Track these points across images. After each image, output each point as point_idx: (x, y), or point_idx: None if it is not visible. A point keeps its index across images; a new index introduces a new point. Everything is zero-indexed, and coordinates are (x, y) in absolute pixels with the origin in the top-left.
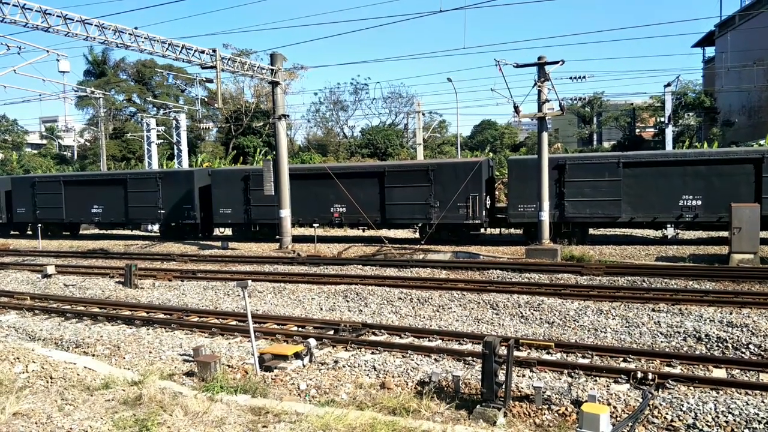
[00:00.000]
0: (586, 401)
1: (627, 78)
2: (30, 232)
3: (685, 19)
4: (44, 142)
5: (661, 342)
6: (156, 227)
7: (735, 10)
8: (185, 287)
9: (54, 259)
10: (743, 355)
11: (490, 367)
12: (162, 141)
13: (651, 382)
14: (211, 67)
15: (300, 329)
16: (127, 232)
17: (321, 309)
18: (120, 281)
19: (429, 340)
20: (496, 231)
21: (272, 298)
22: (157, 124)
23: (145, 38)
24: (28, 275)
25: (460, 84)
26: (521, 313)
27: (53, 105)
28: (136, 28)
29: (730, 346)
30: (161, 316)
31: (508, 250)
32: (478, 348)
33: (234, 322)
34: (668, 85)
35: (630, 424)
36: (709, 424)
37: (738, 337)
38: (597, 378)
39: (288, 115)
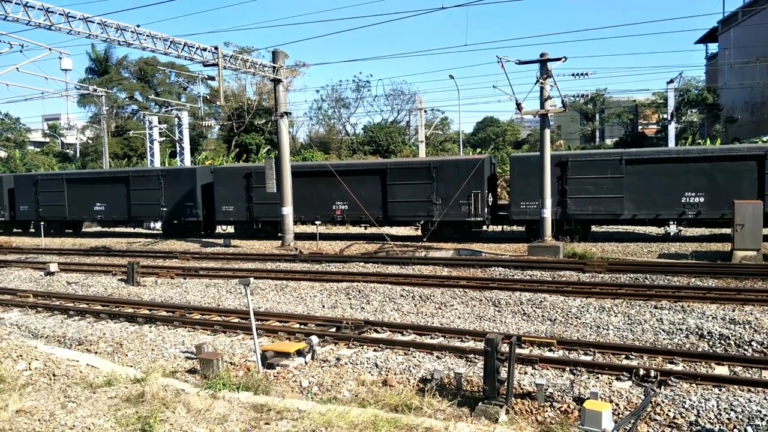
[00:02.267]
0: (588, 398)
1: (629, 75)
2: (33, 230)
3: (687, 16)
4: (47, 140)
5: (664, 339)
6: (158, 225)
7: (738, 7)
8: (187, 285)
9: (56, 257)
10: (746, 352)
11: (492, 364)
12: (164, 139)
13: (653, 380)
14: (213, 65)
15: (302, 327)
16: (129, 229)
17: (323, 306)
18: (122, 279)
19: (431, 338)
20: (498, 228)
21: (274, 296)
22: (159, 122)
23: (147, 36)
24: (30, 273)
25: (462, 81)
26: (523, 310)
27: (55, 103)
28: (138, 26)
29: (732, 343)
30: (163, 313)
31: (510, 248)
32: (480, 345)
33: (236, 320)
34: (671, 81)
35: (632, 421)
36: (711, 421)
37: (740, 334)
38: (599, 375)
39: (290, 113)
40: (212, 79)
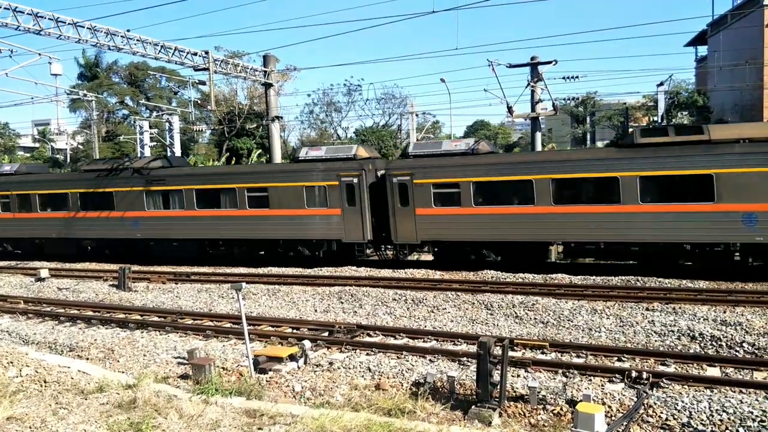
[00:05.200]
0: (580, 401)
1: (620, 77)
2: None
3: (677, 19)
4: (37, 145)
5: (655, 341)
6: None
7: (727, 9)
8: (179, 290)
9: (47, 263)
10: (737, 353)
11: (485, 367)
12: (155, 143)
13: (645, 381)
14: (204, 69)
15: (295, 331)
16: None
17: (315, 311)
18: (114, 284)
19: (424, 341)
20: None
21: (266, 300)
22: (150, 127)
23: (137, 40)
24: (21, 279)
25: (453, 84)
26: (516, 313)
27: (46, 108)
28: (128, 31)
29: (723, 344)
30: (155, 318)
31: None
32: (473, 348)
33: (228, 325)
34: (661, 84)
35: (625, 423)
36: (703, 422)
37: (732, 335)
38: (592, 377)
39: (281, 117)
40: (203, 83)
